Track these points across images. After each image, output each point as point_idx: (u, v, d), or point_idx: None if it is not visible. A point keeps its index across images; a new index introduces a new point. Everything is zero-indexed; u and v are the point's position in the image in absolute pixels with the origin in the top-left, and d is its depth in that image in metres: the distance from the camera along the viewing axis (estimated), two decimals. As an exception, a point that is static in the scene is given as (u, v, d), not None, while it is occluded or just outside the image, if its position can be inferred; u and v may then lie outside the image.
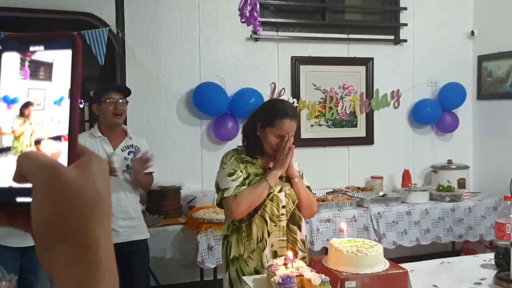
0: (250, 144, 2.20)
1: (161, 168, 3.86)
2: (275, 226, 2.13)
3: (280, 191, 2.16)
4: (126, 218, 2.88)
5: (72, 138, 0.44)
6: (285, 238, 2.14)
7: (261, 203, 2.12)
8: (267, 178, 2.09)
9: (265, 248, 2.11)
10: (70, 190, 0.41)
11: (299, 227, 2.20)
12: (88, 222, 0.42)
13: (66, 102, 0.45)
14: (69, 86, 0.45)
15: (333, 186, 4.28)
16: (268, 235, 2.12)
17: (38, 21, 3.83)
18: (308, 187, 2.30)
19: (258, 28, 2.44)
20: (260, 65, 4.14)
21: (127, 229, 2.88)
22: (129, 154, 2.93)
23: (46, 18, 3.79)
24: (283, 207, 2.15)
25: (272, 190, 2.13)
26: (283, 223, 2.15)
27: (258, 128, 2.17)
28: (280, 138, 2.11)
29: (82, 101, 8.97)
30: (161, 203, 3.68)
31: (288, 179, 2.20)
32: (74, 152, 0.44)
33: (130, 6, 3.82)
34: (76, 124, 0.45)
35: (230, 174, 2.14)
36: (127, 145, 2.94)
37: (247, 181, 2.14)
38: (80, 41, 0.45)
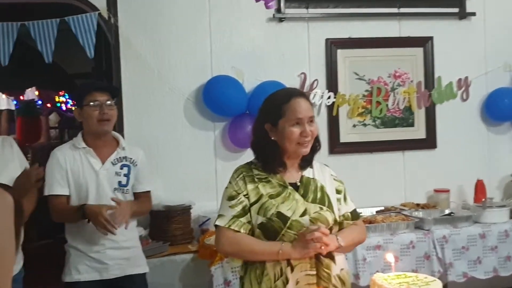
0: (266, 157, 2.23)
1: (166, 184, 3.91)
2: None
3: (303, 214, 2.15)
4: (118, 248, 2.92)
5: None
6: (315, 273, 2.13)
7: (276, 232, 2.13)
8: (280, 250, 2.09)
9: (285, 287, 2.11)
10: None
11: (333, 259, 2.19)
12: None
13: None
14: None
15: (384, 203, 4.21)
16: (292, 270, 2.12)
17: (16, 7, 3.97)
18: (353, 212, 2.33)
19: (269, 4, 2.46)
20: (286, 52, 4.13)
21: (119, 261, 2.92)
22: (121, 168, 2.97)
23: (25, 3, 3.93)
24: None
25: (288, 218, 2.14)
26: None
27: (270, 131, 2.20)
28: (302, 125, 2.14)
29: (74, 103, 9.20)
30: (167, 227, 3.70)
31: (319, 190, 2.22)
32: None
33: (124, -15, 3.90)
34: None
35: (230, 198, 2.20)
36: (119, 157, 2.98)
37: (256, 205, 2.16)
38: None
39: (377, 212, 4.06)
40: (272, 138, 2.20)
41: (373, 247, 3.63)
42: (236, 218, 2.16)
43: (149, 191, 3.11)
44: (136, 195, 3.05)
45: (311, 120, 2.19)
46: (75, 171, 2.89)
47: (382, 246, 3.65)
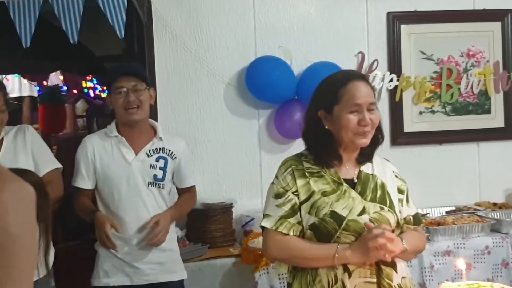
0: (319, 148, 2.23)
1: (205, 179, 3.98)
2: None
3: (361, 213, 2.14)
4: (152, 250, 2.98)
5: None
6: (375, 281, 2.13)
7: (330, 234, 2.13)
8: (337, 254, 2.08)
9: None
10: None
11: (394, 267, 2.17)
12: None
13: None
14: None
15: (455, 202, 4.19)
16: (349, 276, 2.12)
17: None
18: (415, 216, 2.32)
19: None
20: (341, 28, 4.12)
21: (153, 266, 2.98)
22: (157, 160, 3.03)
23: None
24: None
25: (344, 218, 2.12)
26: None
27: (324, 119, 2.20)
28: (360, 113, 2.13)
29: (104, 88, 9.34)
30: (206, 227, 3.77)
31: (379, 188, 2.21)
32: None
33: (157, -44, 3.94)
34: None
35: (278, 195, 2.21)
36: (156, 148, 3.05)
37: (307, 204, 2.15)
38: None
39: (447, 212, 4.04)
40: (326, 127, 2.20)
41: (442, 252, 3.61)
42: (284, 218, 2.16)
43: (193, 186, 3.20)
44: (180, 191, 3.15)
45: (371, 107, 2.17)
46: (104, 162, 2.98)
47: (453, 251, 3.62)
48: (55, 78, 8.38)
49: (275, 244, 2.19)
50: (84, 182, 2.98)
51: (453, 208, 4.11)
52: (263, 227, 2.23)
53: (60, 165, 3.01)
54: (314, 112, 2.23)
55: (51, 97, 8.08)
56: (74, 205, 3.03)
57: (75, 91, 8.99)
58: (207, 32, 4.02)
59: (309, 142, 2.28)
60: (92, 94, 9.32)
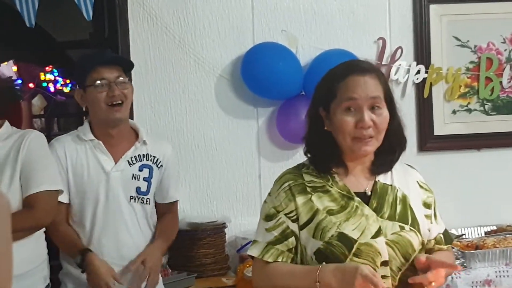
0: (319, 151, 2.22)
1: (193, 193, 3.99)
2: None
3: (376, 235, 2.12)
4: (134, 280, 2.97)
5: None
6: None
7: (338, 261, 2.09)
8: (317, 272, 2.03)
9: None
10: None
11: None
12: None
13: None
14: None
15: (497, 220, 4.18)
16: None
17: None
18: (445, 234, 2.32)
19: None
20: (358, 9, 4.12)
21: None
22: (141, 169, 3.03)
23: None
24: (384, 263, 2.12)
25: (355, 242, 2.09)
26: None
27: (325, 118, 2.18)
28: (358, 112, 2.09)
29: (67, 81, 9.31)
30: (193, 252, 3.77)
31: (399, 203, 2.19)
32: None
33: None
34: None
35: (268, 217, 2.20)
36: (138, 155, 3.05)
37: (311, 226, 2.12)
38: None
39: (486, 233, 4.05)
40: (325, 128, 2.18)
41: (481, 282, 3.61)
42: (272, 245, 2.16)
43: (176, 202, 3.19)
44: (160, 208, 3.13)
45: (375, 104, 2.12)
46: (78, 171, 2.95)
47: (494, 281, 3.63)
48: (7, 69, 8.35)
49: (259, 273, 2.21)
50: (61, 195, 2.91)
51: (494, 228, 4.11)
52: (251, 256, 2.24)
53: (55, 187, 2.83)
54: (315, 110, 2.22)
55: (2, 92, 8.04)
56: (50, 231, 2.91)
57: (31, 85, 8.95)
58: (194, 13, 4.00)
59: (310, 146, 2.26)
60: (52, 89, 9.28)
